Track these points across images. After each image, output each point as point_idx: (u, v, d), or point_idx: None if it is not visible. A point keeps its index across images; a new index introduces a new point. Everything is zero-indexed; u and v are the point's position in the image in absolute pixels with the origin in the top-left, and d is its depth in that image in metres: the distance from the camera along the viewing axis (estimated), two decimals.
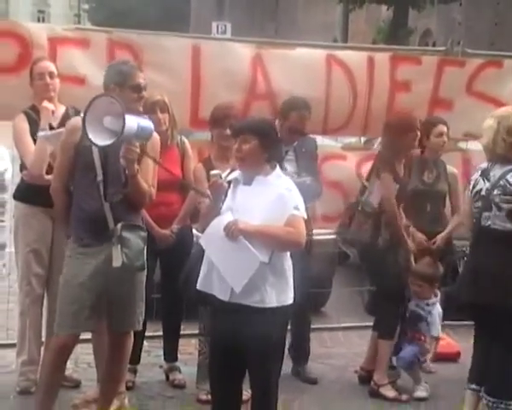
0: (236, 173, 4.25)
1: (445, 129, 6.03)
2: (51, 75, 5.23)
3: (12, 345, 5.44)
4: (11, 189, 5.09)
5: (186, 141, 5.67)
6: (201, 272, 4.21)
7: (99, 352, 4.99)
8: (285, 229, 4.08)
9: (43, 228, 5.19)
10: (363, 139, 7.71)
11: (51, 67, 5.26)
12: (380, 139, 6.51)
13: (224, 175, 4.30)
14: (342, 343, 6.80)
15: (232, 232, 4.02)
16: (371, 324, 6.00)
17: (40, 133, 5.01)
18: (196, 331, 5.55)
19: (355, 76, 6.36)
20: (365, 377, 5.85)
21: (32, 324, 5.27)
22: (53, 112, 5.13)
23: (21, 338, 5.30)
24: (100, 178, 4.37)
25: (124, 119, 4.00)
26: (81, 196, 4.43)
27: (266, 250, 4.05)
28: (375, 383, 5.68)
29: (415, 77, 6.50)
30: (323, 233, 6.40)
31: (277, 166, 4.23)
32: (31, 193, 5.15)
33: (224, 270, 4.07)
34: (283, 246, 4.14)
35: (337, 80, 6.30)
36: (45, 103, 5.12)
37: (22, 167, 5.23)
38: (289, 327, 4.80)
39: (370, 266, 5.99)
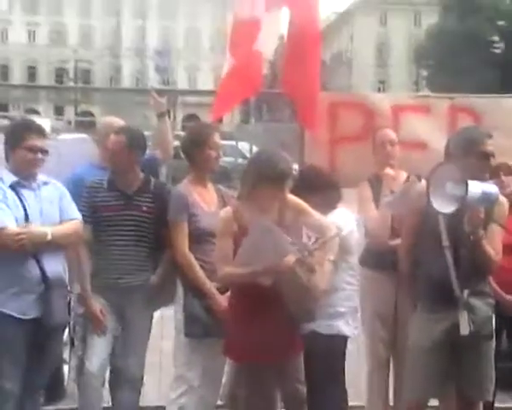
0: None
1: None
2: (392, 143, 5.36)
3: (361, 407, 5.53)
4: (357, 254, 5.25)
5: None
6: None
7: None
8: None
9: (387, 292, 5.25)
10: None
11: (392, 134, 5.40)
12: None
13: None
14: None
15: None
16: None
17: (383, 200, 5.13)
18: None
19: None
20: None
21: (377, 387, 5.35)
22: (394, 178, 5.23)
23: (369, 401, 5.40)
24: (446, 243, 4.34)
25: (466, 185, 3.97)
26: (427, 262, 4.43)
27: None
28: None
29: None
30: None
31: None
32: (374, 258, 5.26)
33: None
34: None
35: None
36: (387, 170, 5.24)
37: (366, 233, 5.39)
38: None
39: None
